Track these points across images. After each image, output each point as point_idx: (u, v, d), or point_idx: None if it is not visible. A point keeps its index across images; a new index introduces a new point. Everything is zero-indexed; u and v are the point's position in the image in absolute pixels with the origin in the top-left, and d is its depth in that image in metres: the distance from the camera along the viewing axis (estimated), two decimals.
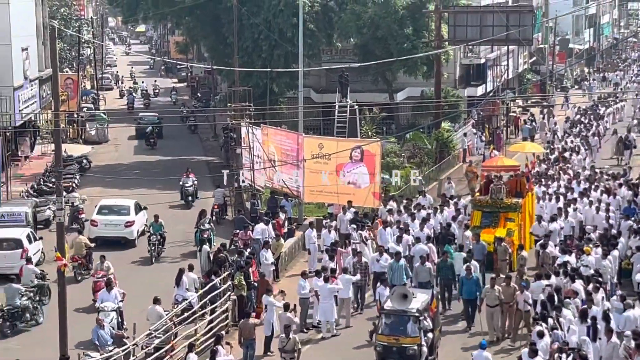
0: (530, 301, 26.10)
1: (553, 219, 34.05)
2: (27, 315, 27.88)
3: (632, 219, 34.36)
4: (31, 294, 28.37)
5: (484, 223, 33.56)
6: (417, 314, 23.33)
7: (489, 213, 33.77)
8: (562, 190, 39.10)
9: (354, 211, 35.58)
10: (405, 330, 23.36)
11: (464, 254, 29.38)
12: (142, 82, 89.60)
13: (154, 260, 34.46)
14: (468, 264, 28.20)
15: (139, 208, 38.18)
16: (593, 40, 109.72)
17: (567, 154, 49.75)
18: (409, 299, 23.47)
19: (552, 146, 53.75)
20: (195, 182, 43.45)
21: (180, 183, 43.34)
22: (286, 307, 25.21)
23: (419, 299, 23.89)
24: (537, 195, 37.07)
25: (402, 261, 29.05)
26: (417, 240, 31.74)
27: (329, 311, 27.00)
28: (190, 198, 43.30)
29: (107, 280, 27.48)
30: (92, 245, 33.74)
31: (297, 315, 26.20)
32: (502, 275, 27.65)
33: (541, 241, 31.49)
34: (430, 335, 23.68)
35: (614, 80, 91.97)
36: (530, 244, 33.86)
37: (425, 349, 23.31)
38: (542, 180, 41.64)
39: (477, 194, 35.86)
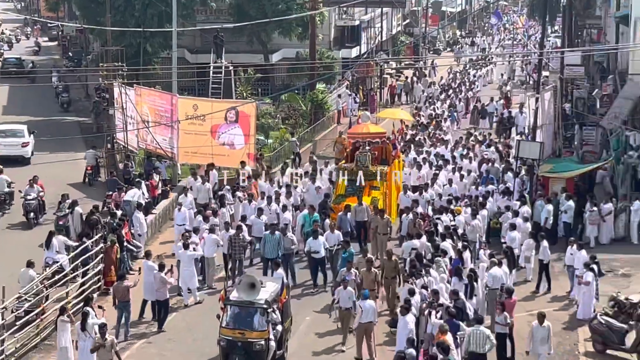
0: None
1: (418, 189, 33.13)
2: None
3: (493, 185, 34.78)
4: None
5: (348, 191, 32.75)
6: (265, 306, 21.20)
7: (353, 181, 32.91)
8: (432, 158, 39.01)
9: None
10: (252, 323, 21.17)
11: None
12: (9, 32, 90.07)
13: None
14: (346, 239, 27.46)
15: (29, 132, 43.41)
16: (465, 4, 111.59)
17: (434, 121, 49.96)
18: (257, 288, 21.32)
19: (420, 112, 54.37)
20: (42, 194, 34.13)
21: (22, 195, 34.10)
22: (161, 267, 24.74)
23: (268, 289, 21.77)
24: (405, 163, 36.88)
25: (278, 234, 27.73)
26: (284, 208, 30.85)
27: (189, 278, 26.46)
28: (32, 215, 33.59)
29: None
30: (1, 166, 36.60)
31: (172, 276, 25.95)
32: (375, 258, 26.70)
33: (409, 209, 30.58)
34: (279, 328, 21.65)
35: (482, 45, 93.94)
36: (395, 213, 33.05)
37: (273, 343, 21.30)
38: (410, 147, 41.32)
39: (343, 161, 35.15)
